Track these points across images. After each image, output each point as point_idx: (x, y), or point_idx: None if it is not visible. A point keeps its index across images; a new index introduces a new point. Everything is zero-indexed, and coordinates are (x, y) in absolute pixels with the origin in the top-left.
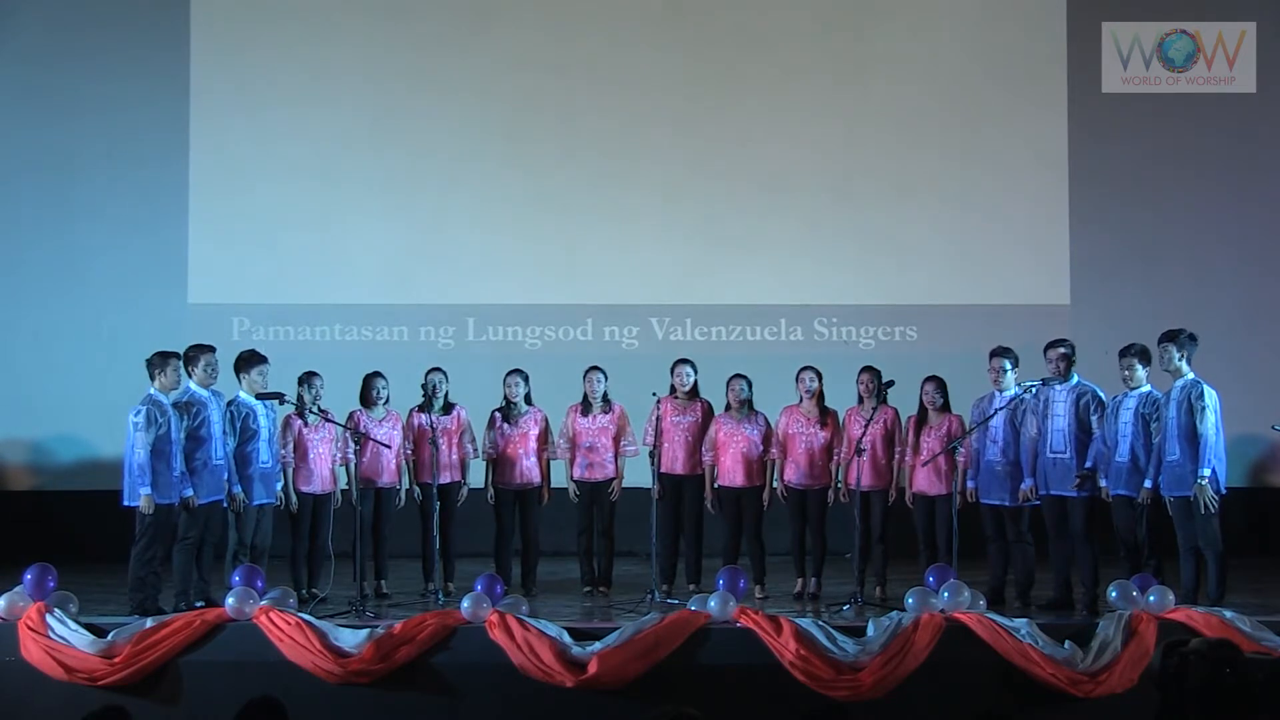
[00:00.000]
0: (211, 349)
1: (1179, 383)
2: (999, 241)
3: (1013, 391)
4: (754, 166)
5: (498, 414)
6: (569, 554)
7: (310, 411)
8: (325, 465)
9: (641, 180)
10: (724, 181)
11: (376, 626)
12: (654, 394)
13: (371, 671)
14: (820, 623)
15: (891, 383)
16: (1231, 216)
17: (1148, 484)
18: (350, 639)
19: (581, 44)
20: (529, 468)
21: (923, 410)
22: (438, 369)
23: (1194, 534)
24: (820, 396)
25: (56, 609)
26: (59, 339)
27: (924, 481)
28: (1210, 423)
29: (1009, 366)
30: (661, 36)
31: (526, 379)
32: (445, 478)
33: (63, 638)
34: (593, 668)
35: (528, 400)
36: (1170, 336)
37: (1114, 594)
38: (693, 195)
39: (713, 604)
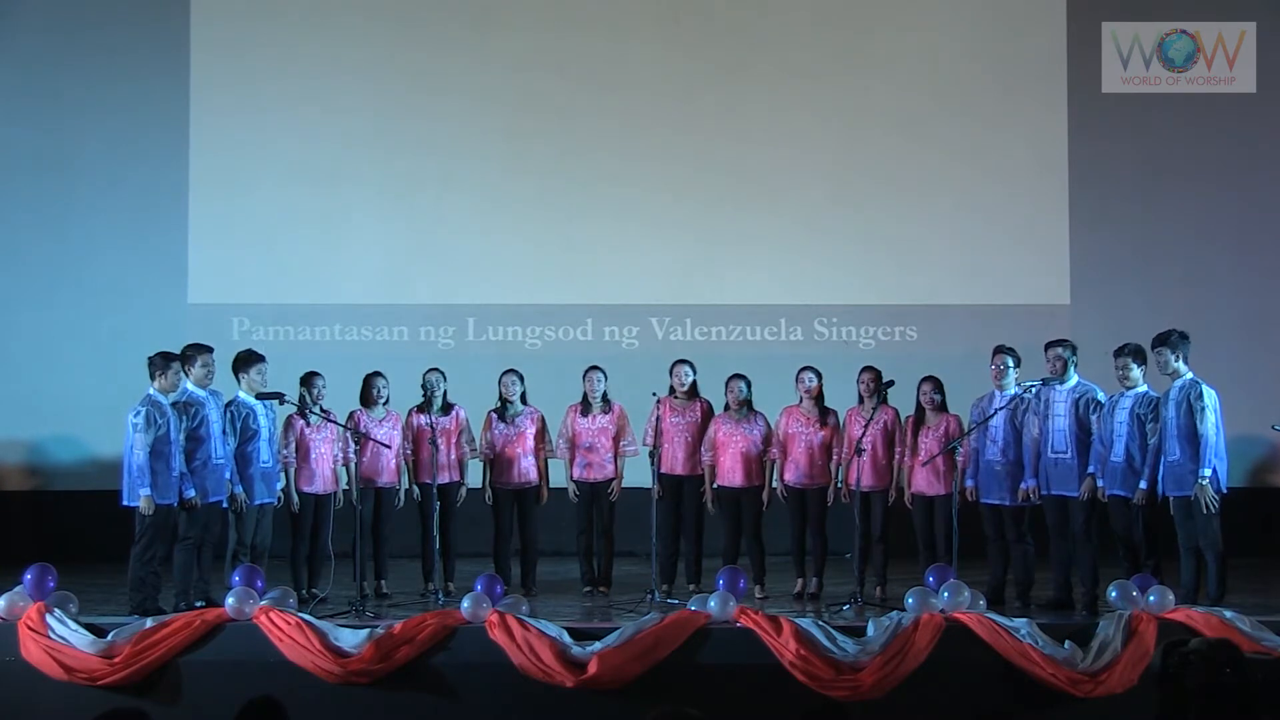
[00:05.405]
0: (209, 349)
1: (1178, 383)
2: (999, 241)
3: (1012, 391)
4: (754, 166)
5: (493, 414)
6: (569, 554)
7: (312, 411)
8: (327, 465)
9: (641, 180)
10: (724, 181)
11: (376, 626)
12: (654, 394)
13: (371, 671)
14: (820, 623)
15: (892, 382)
16: (1231, 216)
17: (1143, 484)
18: (350, 639)
19: (582, 44)
20: (526, 468)
21: (920, 411)
22: (436, 369)
23: (1194, 534)
24: (820, 396)
25: (56, 609)
26: (59, 339)
27: (922, 482)
28: (1210, 422)
29: (1011, 364)
30: (661, 36)
31: (522, 378)
32: (444, 478)
33: (63, 638)
34: (593, 668)
35: (524, 400)
36: (1161, 340)
37: (1114, 594)
38: (692, 195)
39: (713, 604)
